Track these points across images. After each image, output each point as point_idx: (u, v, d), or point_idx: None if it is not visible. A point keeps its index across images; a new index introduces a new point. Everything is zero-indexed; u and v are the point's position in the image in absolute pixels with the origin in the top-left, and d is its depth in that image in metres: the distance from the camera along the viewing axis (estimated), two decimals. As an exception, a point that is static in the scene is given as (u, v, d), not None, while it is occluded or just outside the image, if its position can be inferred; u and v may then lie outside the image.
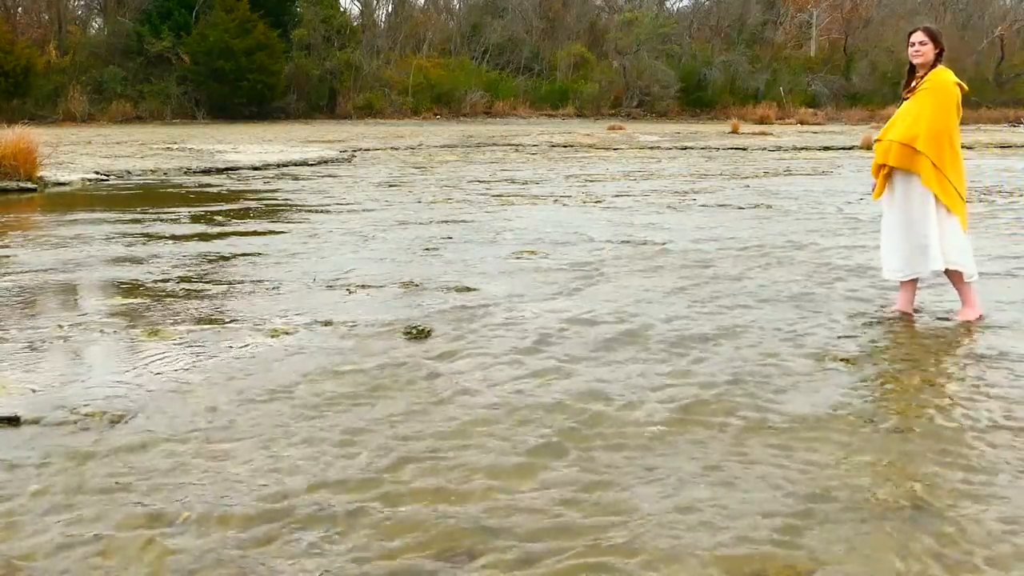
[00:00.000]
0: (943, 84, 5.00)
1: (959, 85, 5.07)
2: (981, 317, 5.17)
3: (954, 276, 5.19)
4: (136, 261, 7.17)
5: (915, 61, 5.10)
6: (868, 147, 23.07)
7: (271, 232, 8.87)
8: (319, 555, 2.58)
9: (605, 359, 4.43)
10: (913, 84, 5.13)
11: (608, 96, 46.60)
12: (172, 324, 5.11)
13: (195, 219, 9.84)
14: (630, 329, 4.98)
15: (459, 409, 3.72)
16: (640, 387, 4.01)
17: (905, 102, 5.16)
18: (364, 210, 10.68)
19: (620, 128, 34.24)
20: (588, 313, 5.33)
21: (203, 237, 8.51)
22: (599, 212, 10.40)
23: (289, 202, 11.65)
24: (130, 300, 5.76)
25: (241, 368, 4.26)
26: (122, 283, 6.32)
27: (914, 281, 5.30)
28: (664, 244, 7.95)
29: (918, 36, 5.09)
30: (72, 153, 18.39)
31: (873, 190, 5.37)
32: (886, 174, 5.17)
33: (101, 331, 4.96)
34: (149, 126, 33.99)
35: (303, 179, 14.99)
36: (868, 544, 2.63)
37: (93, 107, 36.03)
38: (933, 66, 5.07)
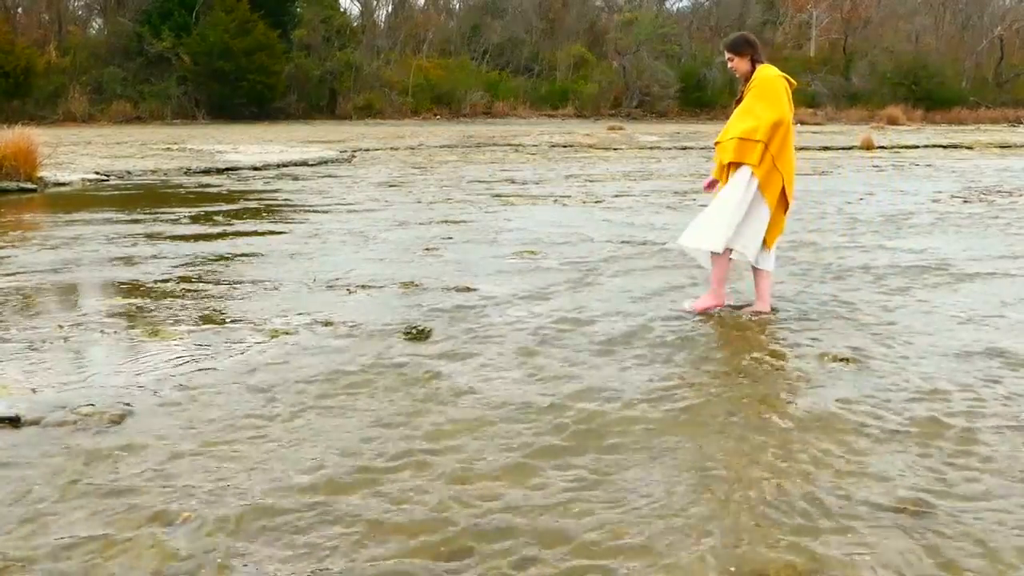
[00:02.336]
0: (767, 79, 5.11)
1: (786, 79, 5.15)
2: (772, 311, 5.26)
3: (757, 272, 5.28)
4: (136, 261, 7.17)
5: (736, 75, 5.26)
6: (868, 147, 23.09)
7: (271, 232, 8.87)
8: (318, 555, 2.58)
9: (605, 359, 4.43)
10: (743, 91, 5.22)
11: (608, 96, 46.61)
12: (172, 324, 5.11)
13: (195, 219, 9.84)
14: (630, 329, 4.98)
15: (459, 409, 3.72)
16: (640, 387, 4.01)
17: (737, 108, 5.24)
18: (364, 210, 10.68)
19: (620, 128, 34.23)
20: (588, 313, 5.33)
21: (203, 237, 8.51)
22: (599, 212, 10.40)
23: (289, 202, 11.65)
24: (130, 300, 5.76)
25: (241, 368, 4.26)
26: (122, 283, 6.32)
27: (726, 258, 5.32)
28: (664, 244, 7.95)
29: (725, 54, 5.26)
30: (72, 153, 18.40)
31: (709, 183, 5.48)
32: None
33: (101, 331, 4.96)
34: (149, 126, 33.99)
35: (303, 179, 14.99)
36: (868, 544, 2.63)
37: (93, 107, 36.04)
38: (753, 69, 5.17)
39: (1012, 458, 3.24)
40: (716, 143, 5.35)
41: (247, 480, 3.04)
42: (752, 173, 5.08)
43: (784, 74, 5.16)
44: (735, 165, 5.13)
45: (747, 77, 5.18)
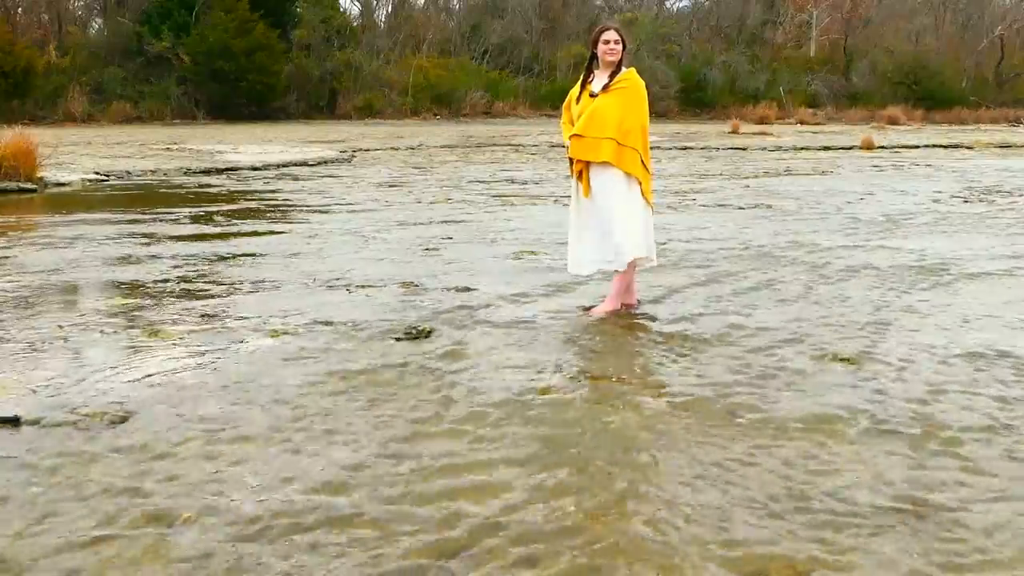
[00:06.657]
0: (640, 85, 5.24)
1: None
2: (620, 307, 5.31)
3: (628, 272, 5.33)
4: (136, 261, 7.17)
5: (610, 59, 5.19)
6: (868, 147, 23.10)
7: (271, 232, 8.87)
8: (319, 555, 2.58)
9: (606, 358, 4.43)
10: (608, 82, 5.19)
11: (608, 96, 46.55)
12: (172, 324, 5.11)
13: (195, 219, 9.84)
14: (630, 328, 4.98)
15: (460, 409, 3.72)
16: (641, 386, 4.01)
17: (601, 98, 5.17)
18: (364, 210, 10.68)
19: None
20: (588, 313, 5.33)
21: (203, 237, 8.51)
22: (599, 212, 10.38)
23: (289, 202, 11.65)
24: (130, 300, 5.76)
25: (241, 369, 4.26)
26: (122, 283, 6.32)
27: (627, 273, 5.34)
28: (664, 244, 7.95)
29: (613, 35, 5.22)
30: (72, 154, 18.39)
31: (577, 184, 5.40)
32: (580, 171, 5.24)
33: (101, 331, 4.95)
34: (149, 126, 33.98)
35: (303, 179, 14.99)
36: (868, 543, 2.63)
37: (93, 107, 35.99)
38: (619, 65, 5.19)
39: (1011, 459, 3.24)
40: (576, 135, 5.17)
41: (248, 480, 3.04)
42: (630, 178, 5.15)
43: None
44: (596, 167, 5.16)
45: (615, 70, 5.18)
